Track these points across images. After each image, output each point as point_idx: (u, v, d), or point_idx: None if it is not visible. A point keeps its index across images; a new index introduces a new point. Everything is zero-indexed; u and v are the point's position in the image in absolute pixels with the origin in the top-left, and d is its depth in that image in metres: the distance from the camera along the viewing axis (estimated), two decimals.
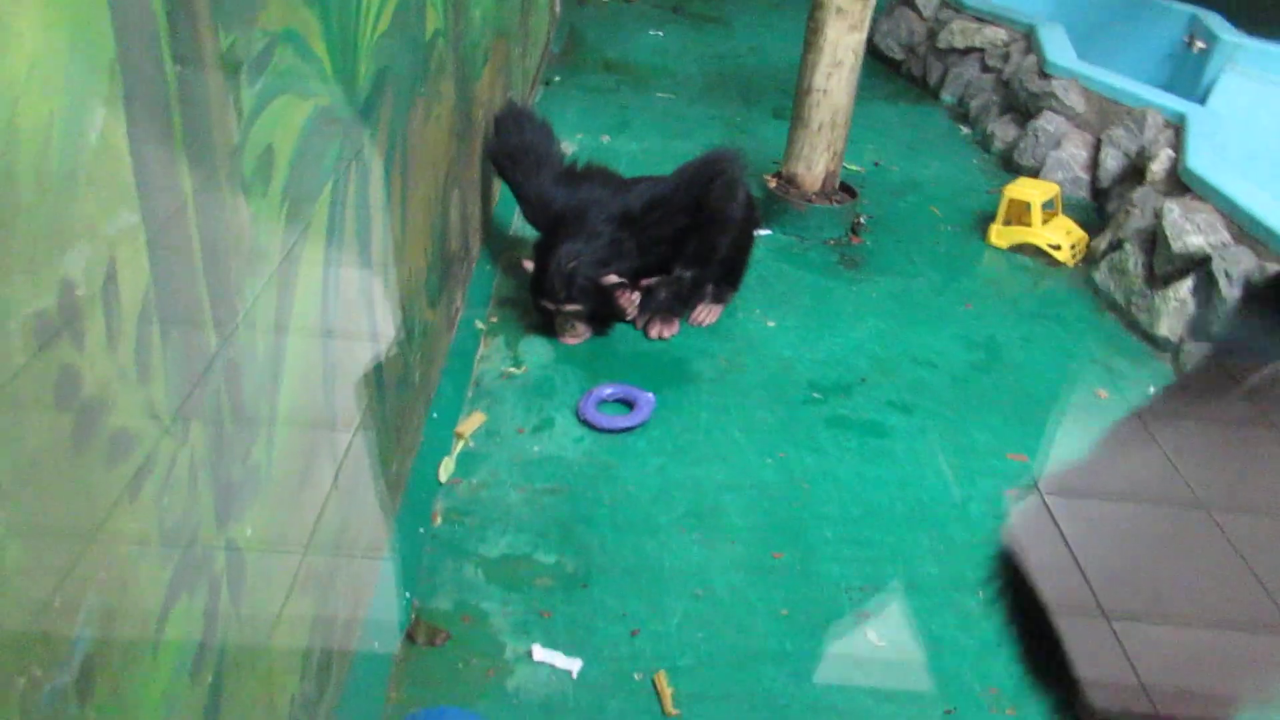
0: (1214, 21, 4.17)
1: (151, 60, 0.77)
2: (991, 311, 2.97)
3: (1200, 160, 3.07)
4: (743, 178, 2.66)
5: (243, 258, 1.01)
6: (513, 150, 2.66)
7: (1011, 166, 4.02)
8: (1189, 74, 4.06)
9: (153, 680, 0.83)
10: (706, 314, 2.77)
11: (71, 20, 0.66)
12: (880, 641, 1.77)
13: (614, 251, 2.54)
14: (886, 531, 2.02)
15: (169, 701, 0.86)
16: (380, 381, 1.61)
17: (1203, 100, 3.74)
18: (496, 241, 3.04)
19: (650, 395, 2.33)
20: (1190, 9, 4.37)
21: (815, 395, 2.47)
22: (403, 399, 1.79)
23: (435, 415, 2.09)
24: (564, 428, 2.27)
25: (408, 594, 1.75)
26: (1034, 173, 3.86)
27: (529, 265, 2.58)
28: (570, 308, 2.54)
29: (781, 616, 1.79)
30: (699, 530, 1.98)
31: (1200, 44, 4.07)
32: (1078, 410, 2.53)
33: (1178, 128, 3.43)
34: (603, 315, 2.60)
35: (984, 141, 4.31)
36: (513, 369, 2.48)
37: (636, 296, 2.62)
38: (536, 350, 2.58)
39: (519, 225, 2.97)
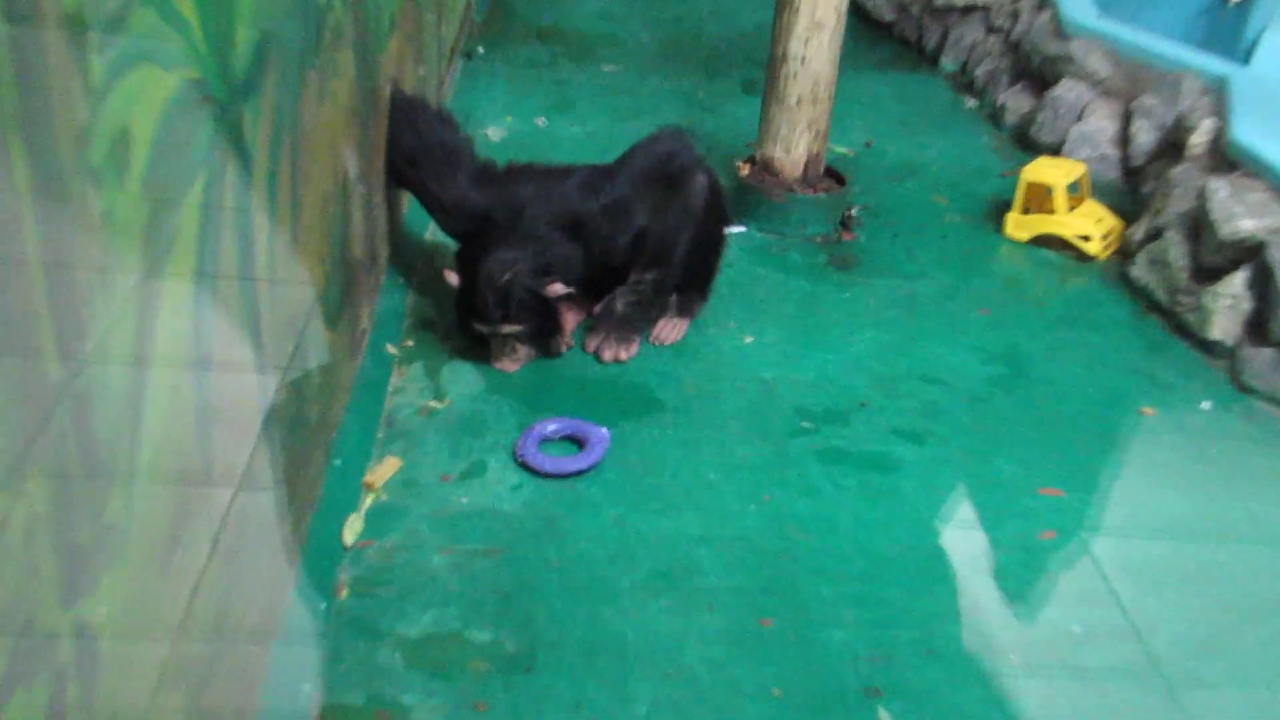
0: None
1: None
2: (1012, 317, 3.03)
3: (1248, 130, 3.17)
4: (698, 158, 2.71)
5: (93, 268, 0.99)
6: (410, 152, 2.67)
7: (1027, 144, 4.13)
8: (1227, 32, 4.20)
9: None
10: (670, 330, 2.79)
11: None
12: None
13: (557, 256, 2.56)
14: (897, 588, 2.04)
15: None
16: (268, 422, 1.59)
17: (1245, 61, 3.87)
18: (410, 248, 3.02)
19: (604, 431, 2.33)
20: None
21: (805, 425, 2.49)
22: (297, 443, 1.77)
23: (338, 462, 2.07)
24: (499, 473, 2.25)
25: (307, 686, 1.72)
26: (1055, 150, 3.96)
27: (453, 278, 2.58)
28: (509, 328, 2.54)
29: (774, 698, 1.79)
30: (669, 595, 1.98)
31: None
32: (1120, 433, 2.59)
33: (1219, 93, 3.55)
34: (547, 334, 2.61)
35: (993, 115, 4.42)
36: (434, 402, 2.46)
37: (569, 337, 2.64)
38: (462, 379, 2.56)
39: (437, 232, 2.97)
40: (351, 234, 2.29)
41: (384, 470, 2.21)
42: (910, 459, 2.40)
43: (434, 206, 2.68)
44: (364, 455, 2.23)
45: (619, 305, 2.70)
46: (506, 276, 2.48)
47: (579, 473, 2.25)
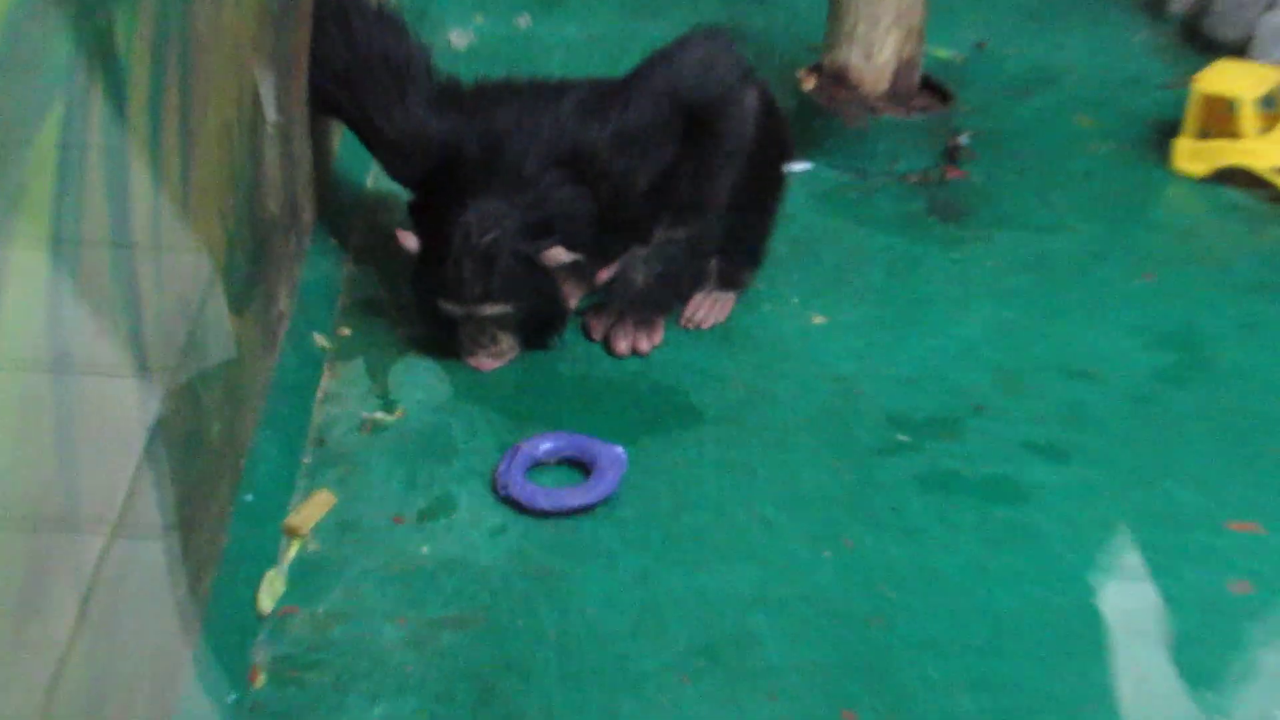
0: None
1: None
2: (1185, 284, 3.01)
3: None
4: (745, 70, 2.70)
5: None
6: (344, 68, 2.67)
7: (1201, 42, 4.09)
8: None
9: None
10: (709, 308, 2.79)
11: None
12: None
13: (558, 208, 2.55)
14: (1033, 664, 2.03)
15: None
16: (153, 444, 1.59)
17: None
18: (346, 200, 3.02)
19: (618, 450, 2.33)
20: None
21: (900, 438, 2.49)
22: (193, 472, 1.78)
23: (250, 498, 2.07)
24: (473, 512, 2.25)
25: None
26: (1238, 51, 3.92)
27: (410, 240, 2.58)
28: (492, 309, 2.54)
29: None
30: (712, 678, 1.97)
31: None
32: None
33: None
34: (543, 317, 2.62)
35: (1152, 2, 4.38)
36: (381, 414, 2.47)
37: (575, 297, 2.65)
38: (421, 381, 2.57)
39: (382, 177, 2.96)
40: (264, 182, 2.28)
41: (313, 509, 2.21)
42: (1047, 484, 2.39)
43: (378, 142, 2.69)
44: (285, 488, 2.24)
45: (638, 275, 2.70)
46: (490, 237, 2.47)
47: (584, 509, 2.25)
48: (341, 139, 3.06)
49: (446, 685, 1.93)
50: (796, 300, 2.88)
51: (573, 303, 2.67)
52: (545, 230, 2.54)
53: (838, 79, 3.44)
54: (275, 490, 2.19)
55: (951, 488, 2.37)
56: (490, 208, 2.50)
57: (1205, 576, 2.20)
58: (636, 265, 2.70)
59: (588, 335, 2.73)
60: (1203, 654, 2.07)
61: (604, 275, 2.70)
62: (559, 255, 2.53)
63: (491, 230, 2.48)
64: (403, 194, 2.76)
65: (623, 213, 2.65)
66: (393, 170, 2.72)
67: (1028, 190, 3.35)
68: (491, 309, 2.53)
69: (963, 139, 3.50)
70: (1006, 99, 3.78)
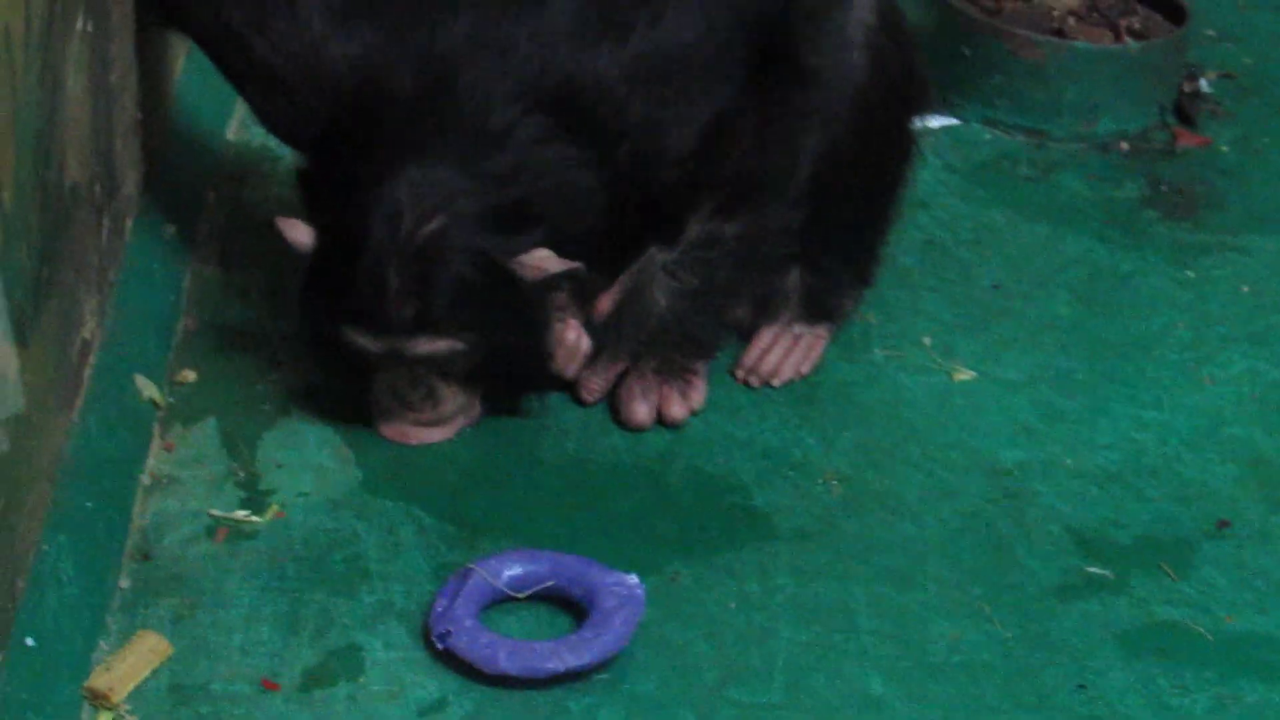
0: None
1: None
2: None
3: None
4: None
5: None
6: None
7: None
8: None
9: None
10: (785, 352, 2.84)
11: None
12: None
13: (544, 181, 2.54)
14: None
15: None
16: None
17: None
18: (193, 162, 3.04)
19: (631, 581, 2.34)
20: None
21: (1092, 571, 2.51)
22: None
23: (30, 643, 2.05)
24: (393, 674, 2.25)
25: None
26: None
27: (298, 233, 2.59)
28: (431, 346, 2.54)
29: None
30: None
31: None
32: None
33: None
34: (513, 361, 2.62)
35: None
36: (245, 514, 2.49)
37: (582, 342, 2.66)
38: (311, 460, 2.60)
39: (254, 127, 3.04)
40: (63, 131, 2.29)
41: (133, 663, 2.20)
42: None
43: (249, 70, 2.69)
44: (89, 629, 2.22)
45: (659, 296, 2.71)
46: (432, 228, 2.47)
47: (575, 674, 2.24)
48: (188, 64, 3.08)
49: None
50: (928, 341, 2.92)
51: (570, 337, 2.62)
52: (521, 219, 2.53)
53: None
54: (72, 631, 2.17)
55: (1173, 652, 2.38)
56: (432, 180, 2.49)
57: None
58: (656, 279, 2.70)
59: (579, 393, 2.76)
60: None
61: (603, 306, 2.70)
62: (544, 262, 2.52)
63: (434, 217, 2.47)
64: (288, 155, 2.78)
65: (646, 192, 2.64)
66: (271, 117, 2.72)
67: None
68: (430, 346, 2.53)
69: (1203, 84, 3.53)
70: (1276, 19, 3.82)
